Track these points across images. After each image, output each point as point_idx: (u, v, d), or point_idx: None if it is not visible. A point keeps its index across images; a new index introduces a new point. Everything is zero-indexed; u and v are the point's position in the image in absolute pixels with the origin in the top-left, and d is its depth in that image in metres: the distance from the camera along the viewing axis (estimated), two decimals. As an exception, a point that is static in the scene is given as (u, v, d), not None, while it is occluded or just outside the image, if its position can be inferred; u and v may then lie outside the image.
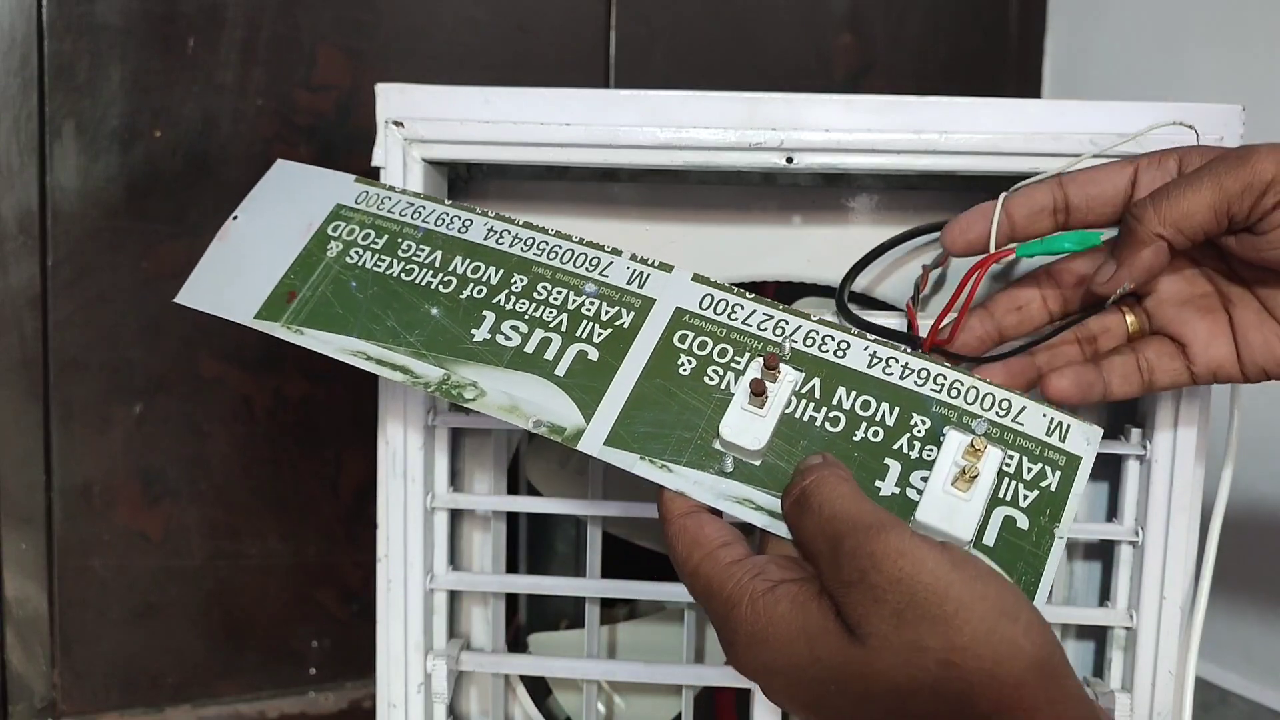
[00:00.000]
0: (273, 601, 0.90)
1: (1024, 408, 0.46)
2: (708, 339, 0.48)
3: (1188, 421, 0.55)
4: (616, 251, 0.50)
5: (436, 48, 0.89)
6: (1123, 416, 0.59)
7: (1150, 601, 0.57)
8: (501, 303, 0.49)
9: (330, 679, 0.92)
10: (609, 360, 0.47)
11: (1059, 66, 1.07)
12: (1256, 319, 0.50)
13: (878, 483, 0.45)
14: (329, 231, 0.52)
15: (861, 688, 0.38)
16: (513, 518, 0.68)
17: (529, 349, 0.48)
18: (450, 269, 0.50)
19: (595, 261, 0.50)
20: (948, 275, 0.59)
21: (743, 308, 0.49)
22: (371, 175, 0.56)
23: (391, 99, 0.55)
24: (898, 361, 0.47)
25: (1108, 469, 0.60)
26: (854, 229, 0.60)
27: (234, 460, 0.87)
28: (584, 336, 0.48)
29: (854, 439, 0.45)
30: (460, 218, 0.52)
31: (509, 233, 0.51)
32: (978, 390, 0.46)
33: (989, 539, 0.43)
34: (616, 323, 0.48)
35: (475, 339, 0.48)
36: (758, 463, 0.45)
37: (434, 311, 0.49)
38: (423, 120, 0.55)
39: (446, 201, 0.53)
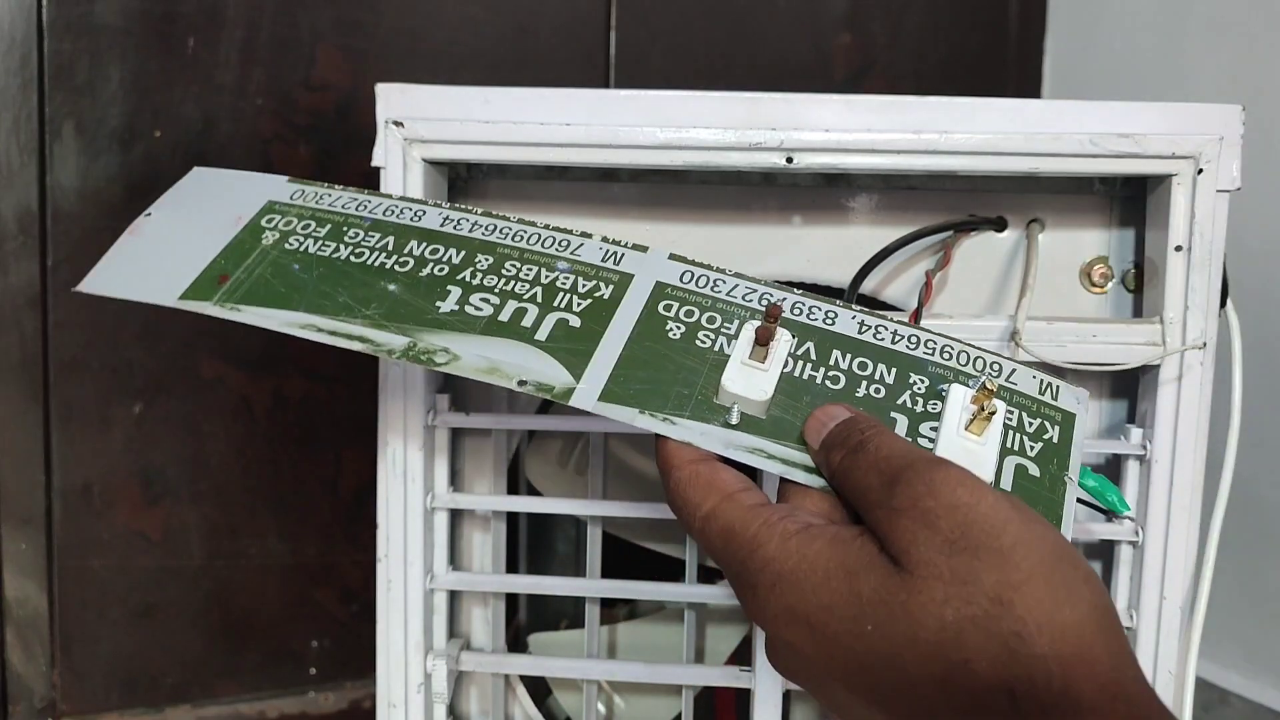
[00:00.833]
0: (272, 601, 0.90)
1: (1014, 369, 0.46)
2: (694, 308, 0.47)
3: (1188, 421, 0.55)
4: (587, 234, 0.50)
5: (436, 48, 0.89)
6: (1123, 416, 0.59)
7: (1150, 601, 0.57)
8: (467, 279, 0.47)
9: (330, 679, 0.92)
10: (592, 327, 0.46)
11: (1059, 66, 1.07)
12: None
13: None
14: (262, 223, 0.50)
15: (905, 626, 0.35)
16: (513, 518, 0.68)
17: (503, 318, 0.46)
18: (405, 251, 0.48)
19: (565, 243, 0.49)
20: (949, 277, 0.59)
21: (724, 282, 0.48)
22: (372, 175, 0.56)
23: (391, 99, 0.55)
24: (887, 329, 0.47)
25: (1108, 469, 0.60)
26: (854, 229, 0.60)
27: (234, 460, 0.87)
28: (562, 306, 0.47)
29: (856, 395, 0.45)
30: (411, 208, 0.51)
31: (467, 220, 0.50)
32: (968, 354, 0.47)
33: (1005, 484, 0.43)
34: (596, 294, 0.47)
35: (441, 310, 0.46)
36: (763, 415, 0.44)
37: (391, 288, 0.47)
38: (423, 120, 0.55)
39: (394, 195, 0.52)
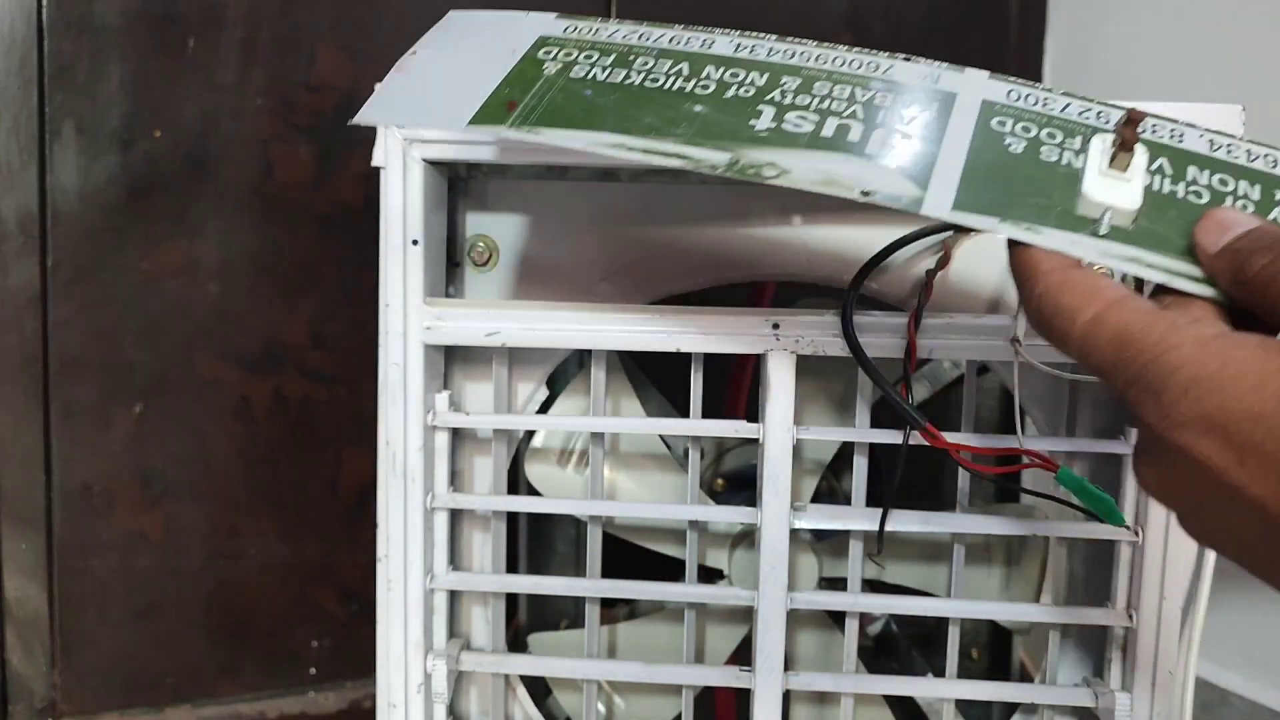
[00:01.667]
0: (273, 601, 0.90)
1: None
2: (1030, 124, 0.44)
3: (1188, 421, 0.55)
4: (894, 55, 0.47)
5: (436, 48, 0.89)
6: (1123, 417, 0.59)
7: (1150, 601, 0.57)
8: (778, 99, 0.45)
9: (330, 679, 0.92)
10: (925, 144, 0.43)
11: (1059, 66, 1.07)
12: None
13: None
14: (539, 55, 0.48)
15: None
16: (513, 518, 0.68)
17: (827, 133, 0.43)
18: (704, 76, 0.46)
19: (874, 65, 0.46)
20: (949, 278, 0.59)
21: (1055, 100, 0.45)
22: (372, 175, 0.56)
23: (391, 99, 0.55)
24: (1240, 147, 0.44)
25: (1108, 469, 0.60)
26: (854, 229, 0.60)
27: (234, 460, 0.87)
28: (888, 123, 0.44)
29: None
30: (699, 37, 0.48)
31: (762, 45, 0.48)
32: None
33: None
34: (921, 112, 0.44)
35: (758, 128, 0.44)
36: (1131, 226, 0.41)
37: (697, 109, 0.44)
38: (423, 120, 0.55)
39: (677, 26, 0.49)
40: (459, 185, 0.60)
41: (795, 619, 0.61)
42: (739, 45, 0.48)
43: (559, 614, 0.77)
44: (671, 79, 0.46)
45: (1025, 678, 0.71)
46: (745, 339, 0.56)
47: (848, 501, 0.60)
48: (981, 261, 0.59)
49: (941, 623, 0.61)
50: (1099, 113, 0.45)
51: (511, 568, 0.65)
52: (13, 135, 0.80)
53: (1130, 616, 0.57)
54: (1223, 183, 0.43)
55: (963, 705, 0.65)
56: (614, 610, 0.74)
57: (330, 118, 0.86)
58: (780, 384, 0.56)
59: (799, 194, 0.60)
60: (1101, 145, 0.43)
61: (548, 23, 0.50)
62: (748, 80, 0.46)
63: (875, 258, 0.57)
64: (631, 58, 0.47)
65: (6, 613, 0.84)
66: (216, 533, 0.88)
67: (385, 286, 0.56)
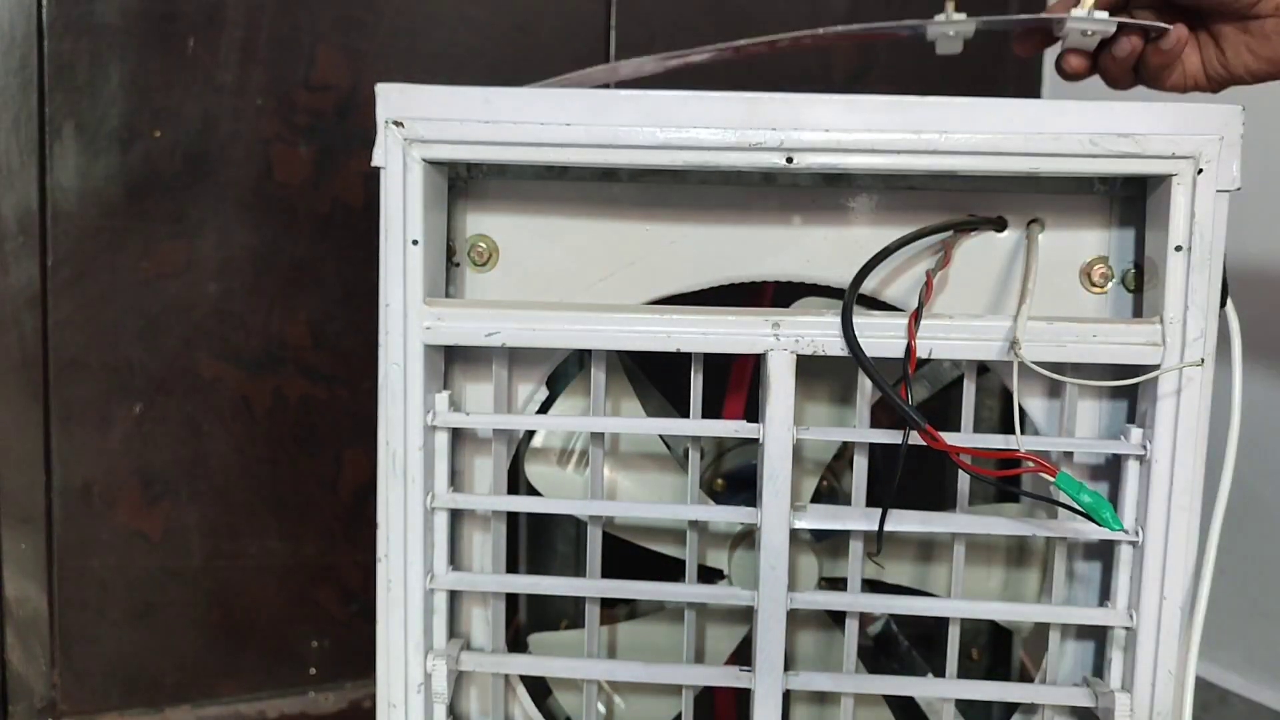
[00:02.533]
0: (273, 601, 0.90)
1: None
2: None
3: (1187, 421, 0.55)
4: None
5: (436, 48, 0.89)
6: (1123, 416, 0.59)
7: (1150, 601, 0.57)
8: None
9: (330, 679, 0.92)
10: None
11: (1059, 66, 1.06)
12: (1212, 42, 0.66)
13: None
14: None
15: None
16: (513, 518, 0.68)
17: None
18: None
19: None
20: (949, 278, 0.59)
21: None
22: (372, 175, 0.56)
23: (391, 99, 0.55)
24: None
25: (1108, 469, 0.60)
26: (854, 229, 0.60)
27: (234, 460, 0.87)
28: None
29: None
30: None
31: None
32: None
33: None
34: None
35: None
36: None
37: None
38: (423, 120, 0.55)
39: None
40: (459, 185, 0.60)
41: (795, 619, 0.61)
42: None
43: (559, 614, 0.77)
44: None
45: (1025, 678, 0.71)
46: (745, 339, 0.56)
47: (848, 501, 0.60)
48: (981, 261, 0.59)
49: (941, 623, 0.61)
50: None
51: (511, 568, 0.65)
52: (13, 135, 0.80)
53: (1130, 616, 0.57)
54: None
55: (963, 705, 0.65)
56: (614, 610, 0.74)
57: (330, 118, 0.86)
58: (780, 384, 0.56)
59: (799, 194, 0.60)
60: None
61: None
62: None
63: (875, 258, 0.57)
64: None
65: (6, 613, 0.84)
66: (216, 533, 0.88)
67: (385, 286, 0.56)
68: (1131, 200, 0.58)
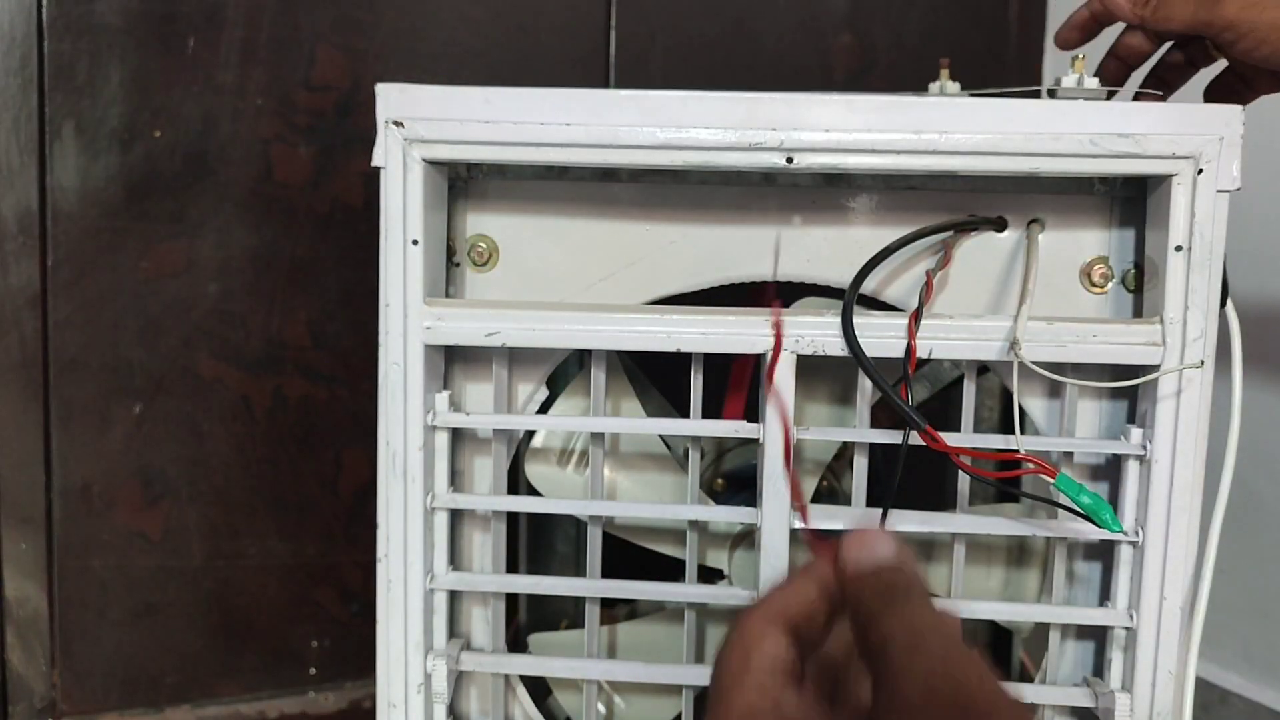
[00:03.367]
0: (273, 601, 0.90)
1: None
2: None
3: (1188, 421, 0.55)
4: None
5: (436, 48, 0.89)
6: (1123, 416, 0.59)
7: (1150, 601, 0.57)
8: None
9: (330, 679, 0.92)
10: None
11: (1058, 66, 1.07)
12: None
13: None
14: None
15: None
16: (513, 518, 0.68)
17: None
18: None
19: None
20: (949, 278, 0.59)
21: None
22: (372, 175, 0.56)
23: (391, 99, 0.55)
24: None
25: (1108, 469, 0.60)
26: (854, 229, 0.60)
27: (234, 460, 0.87)
28: None
29: None
30: None
31: None
32: None
33: None
34: None
35: None
36: None
37: None
38: (423, 120, 0.55)
39: None
40: (459, 185, 0.60)
41: (795, 619, 0.61)
42: None
43: (559, 614, 0.77)
44: None
45: (1025, 678, 0.71)
46: (745, 339, 0.56)
47: (848, 501, 0.60)
48: (981, 261, 0.59)
49: (941, 623, 0.61)
50: None
51: (511, 568, 0.65)
52: (13, 135, 0.80)
53: (1130, 616, 0.57)
54: None
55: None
56: (614, 610, 0.74)
57: (330, 118, 0.86)
58: (780, 384, 0.56)
59: (799, 194, 0.60)
60: None
61: None
62: None
63: (875, 258, 0.57)
64: None
65: (6, 613, 0.84)
66: (216, 533, 0.88)
67: (385, 286, 0.56)
68: (1131, 200, 0.58)
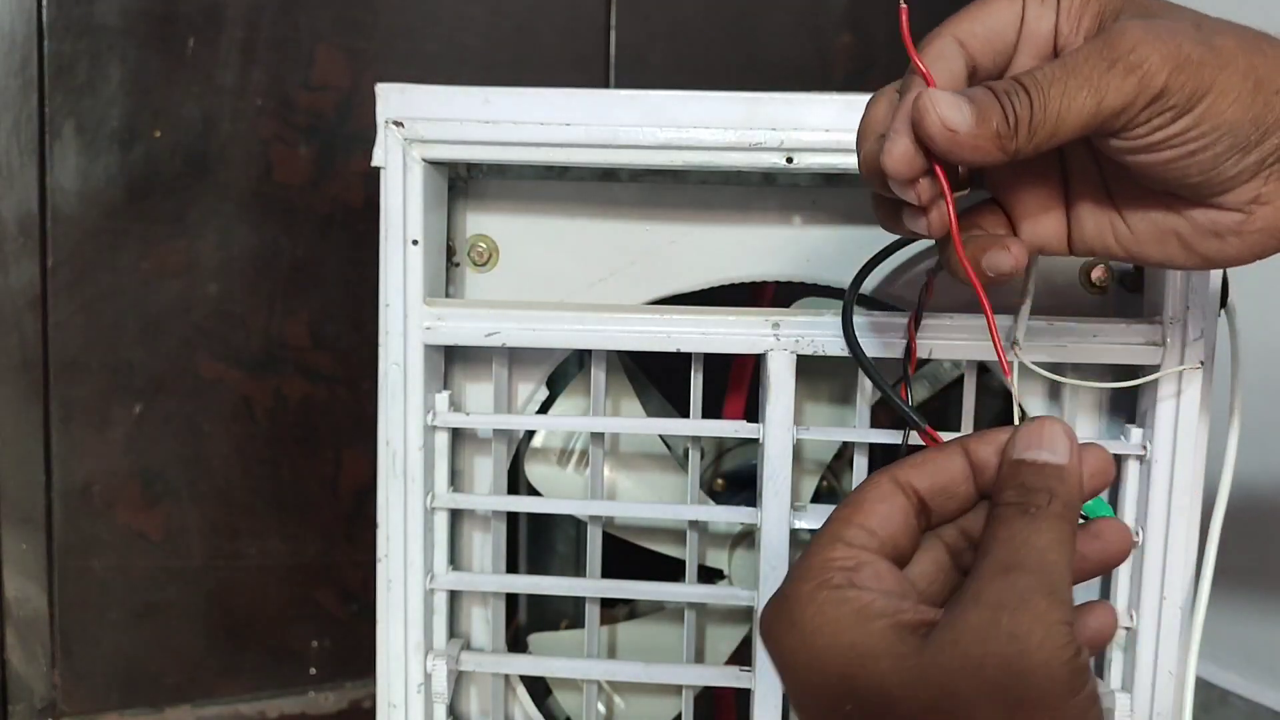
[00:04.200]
0: (273, 601, 0.90)
1: None
2: None
3: (1188, 421, 0.55)
4: None
5: (436, 48, 0.89)
6: (1123, 416, 0.59)
7: (1150, 601, 0.57)
8: None
9: (330, 679, 0.92)
10: None
11: (1059, 66, 1.07)
12: (1094, 204, 0.43)
13: None
14: None
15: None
16: (513, 518, 0.68)
17: None
18: None
19: None
20: (949, 278, 0.59)
21: None
22: (372, 175, 0.56)
23: (391, 99, 0.55)
24: None
25: (1108, 469, 0.60)
26: (854, 229, 0.60)
27: (234, 460, 0.87)
28: None
29: None
30: None
31: None
32: None
33: None
34: None
35: None
36: None
37: None
38: (423, 120, 0.55)
39: None
40: (459, 185, 0.60)
41: (795, 619, 0.61)
42: None
43: (559, 614, 0.77)
44: None
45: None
46: (745, 339, 0.56)
47: (848, 501, 0.60)
48: (981, 261, 0.59)
49: (941, 623, 0.61)
50: None
51: (511, 568, 0.65)
52: (13, 135, 0.80)
53: (1130, 617, 0.57)
54: None
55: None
56: (614, 610, 0.74)
57: (330, 118, 0.86)
58: (780, 384, 0.56)
59: (799, 194, 0.60)
60: None
61: None
62: None
63: (875, 258, 0.57)
64: None
65: (6, 613, 0.84)
66: (216, 533, 0.88)
67: (385, 286, 0.56)
68: (1131, 200, 0.58)
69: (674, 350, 0.56)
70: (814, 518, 0.58)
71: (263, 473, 0.88)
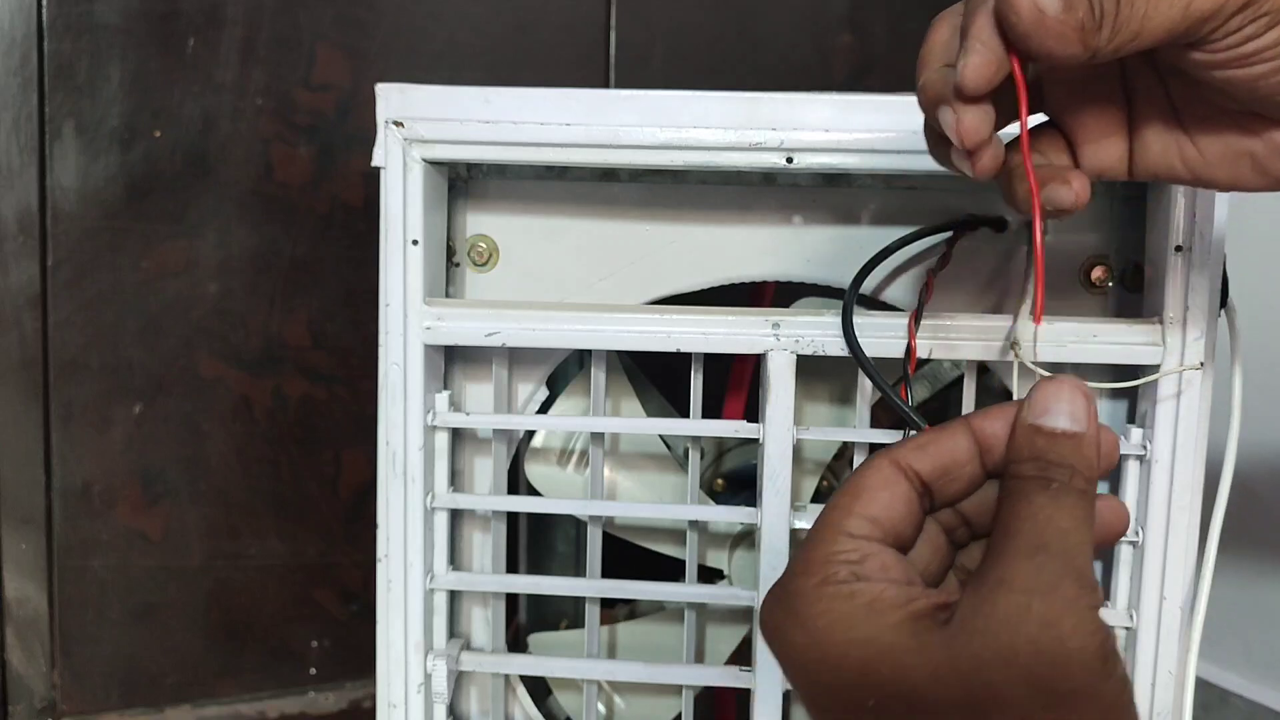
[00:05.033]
0: (273, 601, 0.90)
1: None
2: None
3: (1188, 422, 0.55)
4: None
5: (436, 48, 0.89)
6: (1123, 416, 0.59)
7: (1150, 601, 0.57)
8: None
9: (330, 679, 0.92)
10: None
11: (1059, 66, 1.07)
12: (1160, 125, 0.41)
13: None
14: None
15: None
16: (513, 518, 0.68)
17: None
18: None
19: None
20: (949, 278, 0.59)
21: None
22: (372, 175, 0.56)
23: (391, 99, 0.55)
24: None
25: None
26: (854, 229, 0.60)
27: (234, 460, 0.87)
28: None
29: None
30: None
31: None
32: None
33: None
34: None
35: None
36: None
37: None
38: (423, 120, 0.55)
39: None
40: (459, 185, 0.60)
41: (795, 619, 0.61)
42: None
43: (559, 614, 0.77)
44: None
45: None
46: (745, 339, 0.56)
47: (848, 501, 0.60)
48: (981, 262, 0.59)
49: (941, 623, 0.61)
50: None
51: (511, 568, 0.65)
52: (13, 135, 0.80)
53: (1130, 616, 0.57)
54: None
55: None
56: (614, 610, 0.74)
57: (330, 118, 0.86)
58: (780, 384, 0.56)
59: (799, 194, 0.60)
60: None
61: None
62: None
63: (875, 258, 0.57)
64: None
65: (6, 613, 0.84)
66: (216, 533, 0.88)
67: (385, 286, 0.56)
68: (1131, 200, 0.58)
69: (674, 350, 0.56)
70: (814, 518, 0.58)
71: (263, 473, 0.88)
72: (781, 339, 0.56)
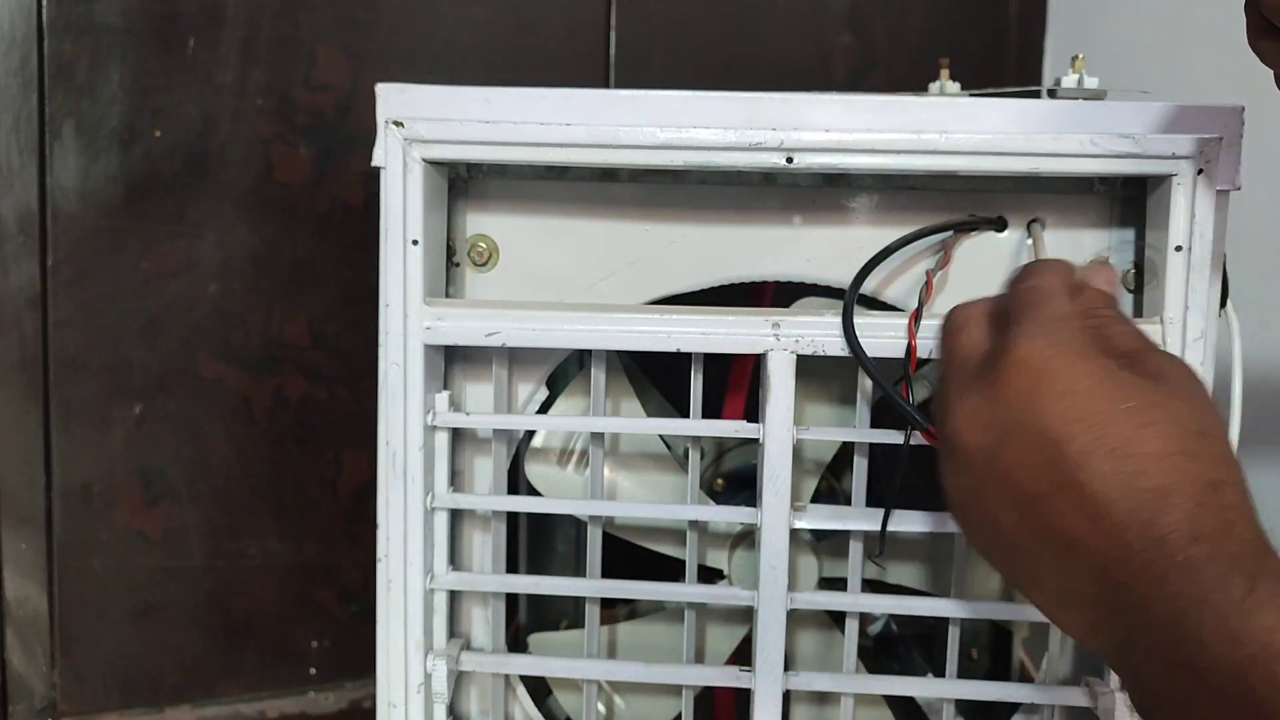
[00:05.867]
0: (273, 601, 0.90)
1: None
2: None
3: (1188, 421, 0.55)
4: None
5: (436, 48, 0.89)
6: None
7: (1150, 601, 0.56)
8: None
9: (330, 679, 0.92)
10: None
11: (1059, 67, 1.07)
12: None
13: None
14: None
15: None
16: (513, 518, 0.68)
17: None
18: None
19: None
20: (949, 278, 0.59)
21: None
22: (372, 175, 0.56)
23: (391, 99, 0.55)
24: None
25: (1108, 469, 0.60)
26: (854, 229, 0.60)
27: (234, 460, 0.87)
28: None
29: None
30: None
31: None
32: None
33: None
34: None
35: None
36: None
37: None
38: (423, 120, 0.55)
39: None
40: (459, 185, 0.60)
41: (795, 619, 0.61)
42: None
43: (559, 614, 0.77)
44: None
45: (1025, 678, 0.71)
46: (745, 339, 0.56)
47: (848, 501, 0.60)
48: (981, 261, 0.59)
49: (941, 623, 0.61)
50: None
51: (511, 568, 0.65)
52: (13, 135, 0.80)
53: (1130, 616, 0.57)
54: None
55: (963, 705, 0.65)
56: (614, 610, 0.74)
57: (330, 118, 0.86)
58: (780, 384, 0.56)
59: (799, 194, 0.60)
60: None
61: None
62: None
63: (875, 258, 0.57)
64: None
65: (6, 613, 0.84)
66: (216, 533, 0.88)
67: (385, 286, 0.56)
68: (1131, 200, 0.58)
69: (674, 350, 0.56)
70: (814, 518, 0.58)
71: (263, 473, 0.88)
72: (781, 339, 0.55)
